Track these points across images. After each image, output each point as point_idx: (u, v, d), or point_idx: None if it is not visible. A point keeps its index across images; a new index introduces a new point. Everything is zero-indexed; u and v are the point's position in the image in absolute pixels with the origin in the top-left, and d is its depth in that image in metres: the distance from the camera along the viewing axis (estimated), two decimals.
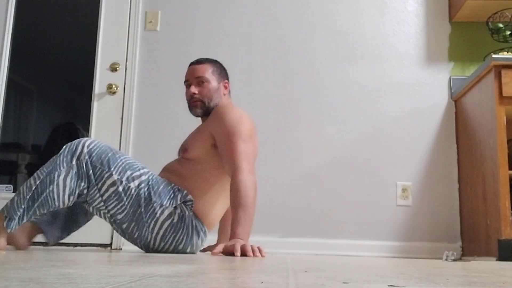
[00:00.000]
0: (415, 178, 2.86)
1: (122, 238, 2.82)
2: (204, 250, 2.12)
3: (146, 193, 1.86)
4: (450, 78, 2.95)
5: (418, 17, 3.06)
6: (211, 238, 2.09)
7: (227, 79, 2.11)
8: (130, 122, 2.98)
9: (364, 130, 2.93)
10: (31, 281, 0.62)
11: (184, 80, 2.10)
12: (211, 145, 1.95)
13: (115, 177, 1.84)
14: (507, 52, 2.69)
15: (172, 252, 1.91)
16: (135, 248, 2.64)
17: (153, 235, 1.87)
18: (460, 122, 2.85)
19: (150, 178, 1.90)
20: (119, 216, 1.86)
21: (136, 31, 3.08)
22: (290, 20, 3.08)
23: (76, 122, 3.45)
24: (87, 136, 3.00)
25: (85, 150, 1.83)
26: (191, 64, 2.10)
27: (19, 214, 1.75)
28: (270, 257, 1.72)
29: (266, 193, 2.82)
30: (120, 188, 1.84)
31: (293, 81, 3.00)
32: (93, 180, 1.82)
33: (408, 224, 2.82)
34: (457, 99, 2.90)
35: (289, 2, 3.10)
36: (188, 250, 1.93)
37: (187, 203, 1.90)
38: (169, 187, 1.91)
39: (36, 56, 3.48)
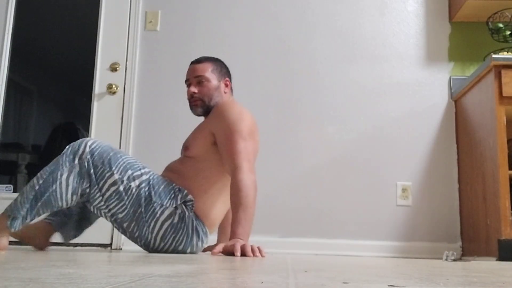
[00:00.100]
0: (415, 178, 2.86)
1: (122, 238, 2.83)
2: (204, 250, 2.12)
3: (147, 193, 1.86)
4: (450, 78, 2.95)
5: (418, 17, 3.06)
6: (211, 238, 2.09)
7: (228, 77, 2.10)
8: (130, 122, 2.98)
9: (364, 130, 2.93)
10: (31, 281, 0.62)
11: (185, 80, 2.11)
12: (212, 143, 1.95)
13: (116, 176, 1.84)
14: (507, 52, 2.69)
15: (172, 252, 1.91)
16: (135, 248, 2.64)
17: (153, 235, 1.87)
18: (460, 122, 2.85)
19: (151, 178, 1.90)
20: (120, 216, 1.87)
21: (136, 31, 3.08)
22: (290, 20, 3.08)
23: (76, 122, 3.45)
24: (87, 136, 3.00)
25: (87, 149, 1.84)
26: (192, 63, 2.11)
27: (22, 213, 1.76)
28: (270, 257, 1.72)
29: (266, 193, 2.82)
30: (121, 188, 1.84)
31: (293, 81, 3.00)
32: (94, 180, 1.83)
33: (408, 224, 2.82)
34: (457, 99, 2.90)
35: (289, 2, 3.10)
36: (188, 251, 1.93)
37: (188, 203, 1.90)
38: (170, 187, 1.91)
39: (36, 56, 3.48)
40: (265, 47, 3.05)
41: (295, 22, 3.07)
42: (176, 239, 1.88)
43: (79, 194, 1.83)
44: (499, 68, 2.37)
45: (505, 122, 2.34)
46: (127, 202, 1.85)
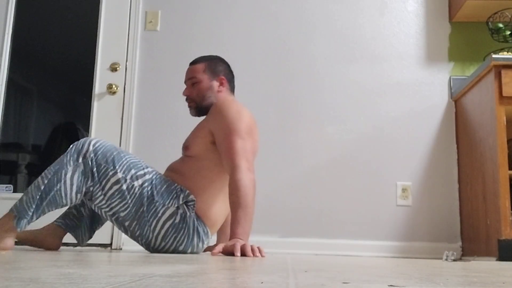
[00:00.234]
0: (415, 178, 2.86)
1: (122, 238, 2.83)
2: (204, 250, 2.12)
3: (149, 192, 1.87)
4: (450, 78, 2.95)
5: (418, 17, 3.06)
6: (211, 238, 2.09)
7: (225, 75, 2.08)
8: (130, 122, 2.98)
9: (364, 130, 2.93)
10: (31, 281, 0.62)
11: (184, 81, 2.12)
12: (211, 142, 1.95)
13: (120, 175, 1.85)
14: (507, 52, 2.69)
15: (173, 252, 1.91)
16: (135, 248, 2.65)
17: (155, 234, 1.87)
18: (460, 122, 2.85)
19: (154, 177, 1.91)
20: (122, 214, 1.87)
21: (136, 31, 3.08)
22: (290, 20, 3.08)
23: (76, 122, 3.45)
24: (87, 136, 3.00)
25: (91, 148, 1.86)
26: (189, 64, 2.12)
27: (29, 213, 1.78)
28: (270, 257, 1.72)
29: (266, 193, 2.82)
30: (124, 187, 1.85)
31: (293, 81, 3.00)
32: (97, 178, 1.84)
33: (408, 224, 2.82)
34: (457, 99, 2.90)
35: (289, 2, 3.10)
36: (189, 251, 1.93)
37: (189, 204, 1.90)
38: (172, 187, 1.91)
39: (36, 56, 3.48)
40: (265, 47, 3.05)
41: (295, 22, 3.07)
42: (177, 239, 1.88)
43: (83, 192, 1.85)
44: (499, 68, 2.37)
45: (505, 122, 2.35)
46: (129, 201, 1.85)
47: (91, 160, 1.85)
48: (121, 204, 1.86)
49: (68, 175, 1.81)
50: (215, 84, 2.05)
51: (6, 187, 3.06)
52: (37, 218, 1.82)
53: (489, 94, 2.42)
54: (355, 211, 2.84)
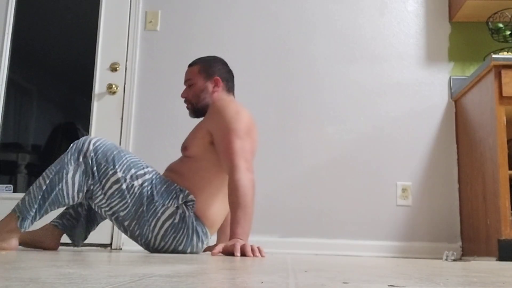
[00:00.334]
0: (415, 178, 2.86)
1: (122, 238, 2.83)
2: (204, 250, 2.12)
3: (149, 192, 1.87)
4: (450, 78, 2.95)
5: (418, 17, 3.06)
6: (211, 238, 2.09)
7: (220, 75, 2.07)
8: (130, 122, 2.98)
9: (364, 130, 2.93)
10: (31, 281, 0.62)
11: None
12: (209, 142, 1.95)
13: (120, 174, 1.85)
14: (507, 52, 2.69)
15: (172, 252, 1.92)
16: (135, 248, 2.65)
17: (154, 234, 1.87)
18: (460, 122, 2.85)
19: (154, 177, 1.91)
20: (121, 214, 1.87)
21: (136, 31, 3.08)
22: (290, 20, 3.08)
23: (76, 122, 3.45)
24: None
25: (91, 147, 1.86)
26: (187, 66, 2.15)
27: (32, 213, 1.79)
28: (270, 257, 1.72)
29: (266, 193, 2.82)
30: (124, 186, 1.85)
31: (293, 81, 3.00)
32: (97, 177, 1.84)
33: (408, 224, 2.82)
34: (457, 99, 2.90)
35: (289, 2, 3.10)
36: (188, 251, 1.93)
37: (189, 204, 1.90)
38: (172, 187, 1.91)
39: (36, 56, 3.48)
40: (265, 47, 3.05)
41: (295, 22, 3.07)
42: (177, 239, 1.88)
43: (84, 191, 1.85)
44: (499, 68, 2.37)
45: (505, 122, 2.34)
46: (129, 201, 1.86)
47: (92, 159, 1.85)
48: (120, 204, 1.86)
49: (70, 175, 1.82)
50: (210, 85, 2.05)
51: (6, 187, 3.06)
52: (39, 218, 1.82)
53: (489, 94, 2.42)
54: (355, 211, 2.84)
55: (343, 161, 2.90)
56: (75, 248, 2.40)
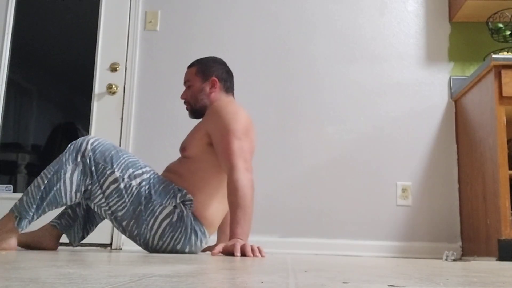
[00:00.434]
0: (415, 178, 2.86)
1: (122, 239, 2.83)
2: (204, 250, 2.12)
3: (147, 192, 1.87)
4: (450, 78, 2.95)
5: (418, 17, 3.06)
6: (211, 238, 2.09)
7: (217, 75, 2.07)
8: (130, 122, 2.98)
9: (364, 130, 2.93)
10: (31, 281, 0.62)
11: None
12: (208, 143, 1.96)
13: (117, 174, 1.85)
14: (507, 52, 2.69)
15: (171, 251, 1.92)
16: (135, 248, 2.65)
17: (152, 233, 1.88)
18: (460, 122, 2.85)
19: (151, 177, 1.92)
20: (120, 213, 1.88)
21: (136, 31, 3.08)
22: (290, 20, 3.08)
23: (76, 122, 3.45)
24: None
25: (89, 147, 1.87)
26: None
27: (30, 213, 1.79)
28: (270, 257, 1.72)
29: (266, 193, 2.82)
30: (122, 185, 1.85)
31: (293, 81, 3.00)
32: (95, 177, 1.85)
33: (408, 224, 2.82)
34: (457, 99, 2.90)
35: (289, 2, 3.10)
36: (186, 250, 1.93)
37: (186, 203, 1.90)
38: (170, 187, 1.91)
39: (36, 56, 3.48)
40: (265, 47, 3.05)
41: (295, 22, 3.07)
42: (175, 238, 1.88)
43: (82, 191, 1.86)
44: (499, 68, 2.37)
45: (505, 122, 2.34)
46: (127, 200, 1.86)
47: (90, 159, 1.85)
48: (119, 203, 1.87)
49: (68, 174, 1.82)
50: (207, 86, 2.06)
51: (6, 187, 3.06)
52: (37, 218, 1.83)
53: (489, 94, 2.42)
54: (355, 211, 2.84)
55: (343, 161, 2.90)
56: (75, 248, 2.40)
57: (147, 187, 1.88)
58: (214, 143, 1.92)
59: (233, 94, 2.13)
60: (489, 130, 2.42)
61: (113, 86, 3.01)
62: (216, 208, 1.97)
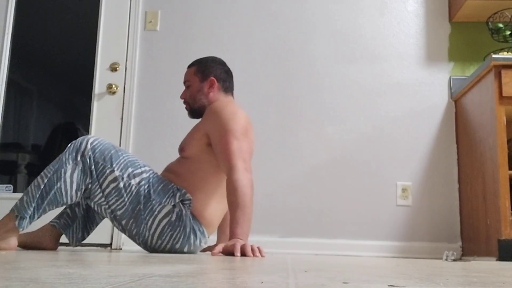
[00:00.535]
0: (415, 178, 2.86)
1: (122, 239, 2.83)
2: (204, 250, 2.12)
3: (146, 191, 1.88)
4: (450, 78, 2.95)
5: (418, 17, 3.06)
6: (211, 238, 2.09)
7: (216, 75, 2.07)
8: (130, 122, 2.98)
9: (364, 130, 2.93)
10: (31, 281, 0.62)
11: None
12: (206, 143, 1.96)
13: (117, 173, 1.86)
14: (507, 52, 2.69)
15: (170, 251, 1.92)
16: (135, 248, 2.65)
17: (151, 232, 1.88)
18: (460, 122, 2.85)
19: (151, 176, 1.92)
20: (119, 212, 1.88)
21: (136, 31, 3.08)
22: (290, 20, 3.08)
23: (76, 122, 3.45)
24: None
25: (89, 146, 1.87)
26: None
27: (30, 213, 1.79)
28: (270, 257, 1.72)
29: (266, 193, 2.82)
30: (121, 185, 1.86)
31: (293, 81, 3.00)
32: (95, 176, 1.86)
33: (408, 224, 2.82)
34: (457, 99, 2.90)
35: (289, 2, 3.10)
36: (185, 250, 1.93)
37: (185, 202, 1.91)
38: (169, 186, 1.92)
39: (36, 56, 3.48)
40: (265, 47, 3.05)
41: (295, 22, 3.07)
42: (174, 237, 1.88)
43: (83, 190, 1.86)
44: (499, 68, 2.37)
45: (505, 122, 2.34)
46: (126, 199, 1.86)
47: (89, 158, 1.86)
48: (118, 202, 1.87)
49: (68, 174, 1.82)
50: (205, 86, 2.06)
51: (6, 187, 3.06)
52: (38, 217, 1.83)
53: (489, 94, 2.42)
54: (355, 211, 2.84)
55: (343, 161, 2.90)
56: (74, 248, 2.40)
57: (146, 186, 1.89)
58: (213, 144, 1.92)
59: (232, 94, 2.13)
60: (489, 130, 2.42)
61: (113, 86, 3.01)
62: (214, 208, 1.98)
